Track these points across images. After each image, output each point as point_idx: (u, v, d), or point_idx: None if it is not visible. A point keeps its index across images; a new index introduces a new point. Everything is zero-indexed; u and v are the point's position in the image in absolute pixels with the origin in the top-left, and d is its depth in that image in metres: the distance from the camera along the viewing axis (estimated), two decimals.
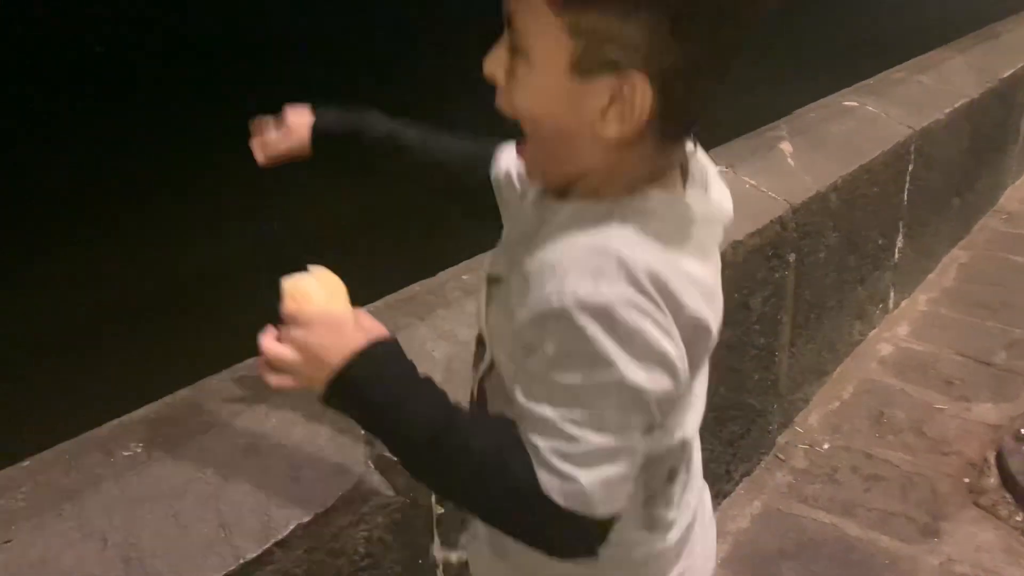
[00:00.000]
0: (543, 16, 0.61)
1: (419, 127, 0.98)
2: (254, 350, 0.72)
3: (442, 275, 1.61)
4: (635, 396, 0.63)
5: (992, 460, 2.03)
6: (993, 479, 1.98)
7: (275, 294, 0.72)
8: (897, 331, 2.76)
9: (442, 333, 1.34)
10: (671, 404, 0.68)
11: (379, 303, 1.50)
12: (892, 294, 2.82)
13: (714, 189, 0.73)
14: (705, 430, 2.01)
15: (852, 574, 1.79)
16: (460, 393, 0.81)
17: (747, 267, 1.87)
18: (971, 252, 3.32)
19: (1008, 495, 1.92)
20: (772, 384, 2.12)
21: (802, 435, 2.25)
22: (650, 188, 0.68)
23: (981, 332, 2.71)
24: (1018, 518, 1.85)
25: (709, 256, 0.71)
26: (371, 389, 0.69)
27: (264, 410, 1.14)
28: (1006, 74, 3.40)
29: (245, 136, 1.00)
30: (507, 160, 0.90)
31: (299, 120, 0.98)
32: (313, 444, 1.12)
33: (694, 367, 0.68)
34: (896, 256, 2.75)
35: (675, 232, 0.67)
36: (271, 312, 0.73)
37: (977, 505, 1.93)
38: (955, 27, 3.60)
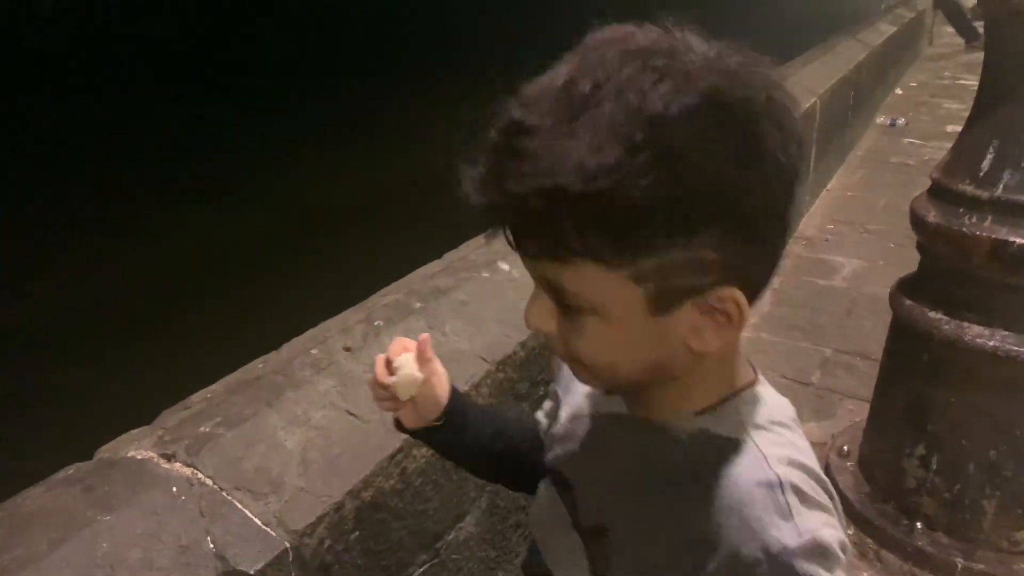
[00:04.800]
0: (599, 276, 0.58)
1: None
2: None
3: (285, 349, 1.51)
4: None
5: None
6: None
7: None
8: None
9: (294, 419, 1.24)
10: None
11: (219, 385, 1.37)
12: None
13: None
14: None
15: None
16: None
17: None
18: (781, 277, 3.61)
19: None
20: None
21: None
22: (744, 372, 0.69)
23: (797, 353, 2.95)
24: (849, 532, 2.01)
25: None
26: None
27: (91, 533, 0.99)
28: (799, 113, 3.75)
29: None
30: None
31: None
32: (155, 567, 0.99)
33: None
34: None
35: (784, 409, 0.69)
36: None
37: None
38: None
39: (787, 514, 0.60)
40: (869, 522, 1.97)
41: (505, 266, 1.89)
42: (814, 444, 2.44)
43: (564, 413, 0.83)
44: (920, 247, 1.93)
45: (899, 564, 1.90)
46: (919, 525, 1.91)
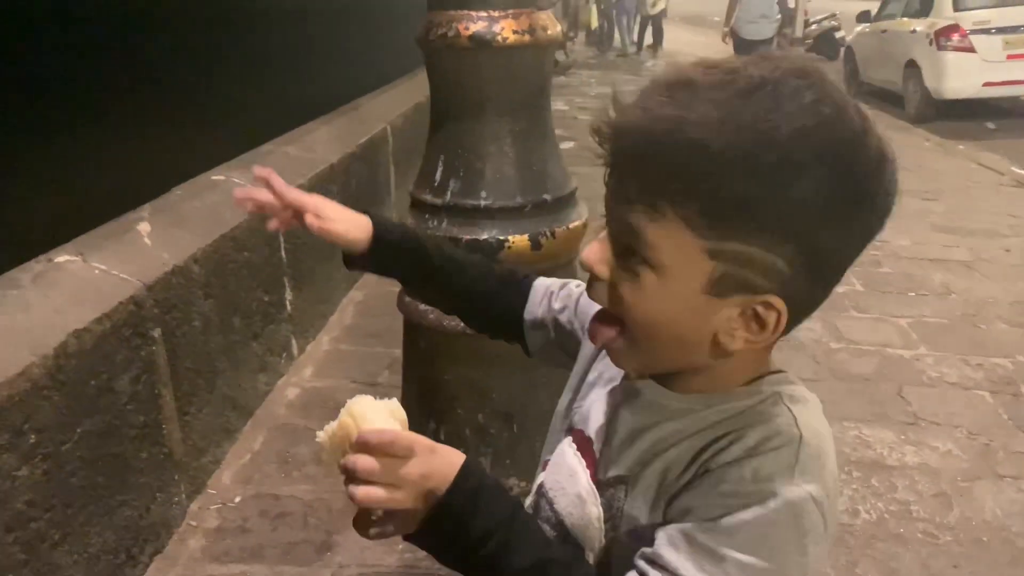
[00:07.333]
0: (683, 238, 0.61)
1: (459, 256, 1.09)
2: None
3: None
4: None
5: None
6: None
7: None
8: (303, 374, 3.06)
9: None
10: None
11: None
12: (294, 342, 3.12)
13: None
14: (89, 525, 1.94)
15: None
16: None
17: (101, 352, 1.88)
18: (365, 291, 3.85)
19: None
20: (167, 457, 2.16)
21: (214, 496, 2.34)
22: (770, 373, 0.72)
23: (370, 358, 3.18)
24: None
25: None
26: (473, 521, 0.67)
27: None
28: (364, 139, 4.04)
29: None
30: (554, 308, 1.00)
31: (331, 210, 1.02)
32: None
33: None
34: (289, 308, 3.05)
35: (820, 414, 0.71)
36: None
37: None
38: (322, 103, 4.13)
39: (794, 471, 0.64)
40: None
41: None
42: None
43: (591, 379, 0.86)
44: None
45: None
46: None
